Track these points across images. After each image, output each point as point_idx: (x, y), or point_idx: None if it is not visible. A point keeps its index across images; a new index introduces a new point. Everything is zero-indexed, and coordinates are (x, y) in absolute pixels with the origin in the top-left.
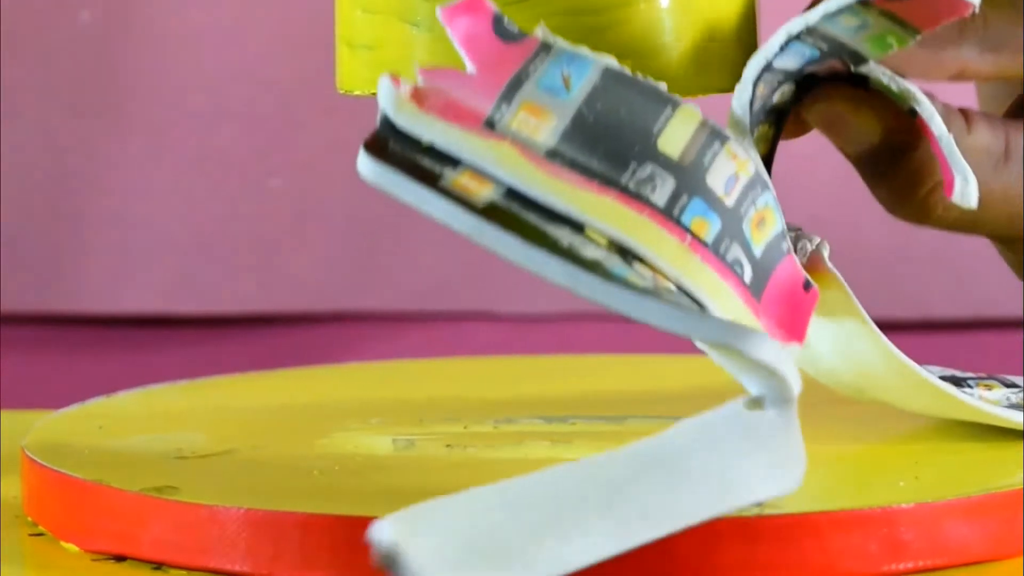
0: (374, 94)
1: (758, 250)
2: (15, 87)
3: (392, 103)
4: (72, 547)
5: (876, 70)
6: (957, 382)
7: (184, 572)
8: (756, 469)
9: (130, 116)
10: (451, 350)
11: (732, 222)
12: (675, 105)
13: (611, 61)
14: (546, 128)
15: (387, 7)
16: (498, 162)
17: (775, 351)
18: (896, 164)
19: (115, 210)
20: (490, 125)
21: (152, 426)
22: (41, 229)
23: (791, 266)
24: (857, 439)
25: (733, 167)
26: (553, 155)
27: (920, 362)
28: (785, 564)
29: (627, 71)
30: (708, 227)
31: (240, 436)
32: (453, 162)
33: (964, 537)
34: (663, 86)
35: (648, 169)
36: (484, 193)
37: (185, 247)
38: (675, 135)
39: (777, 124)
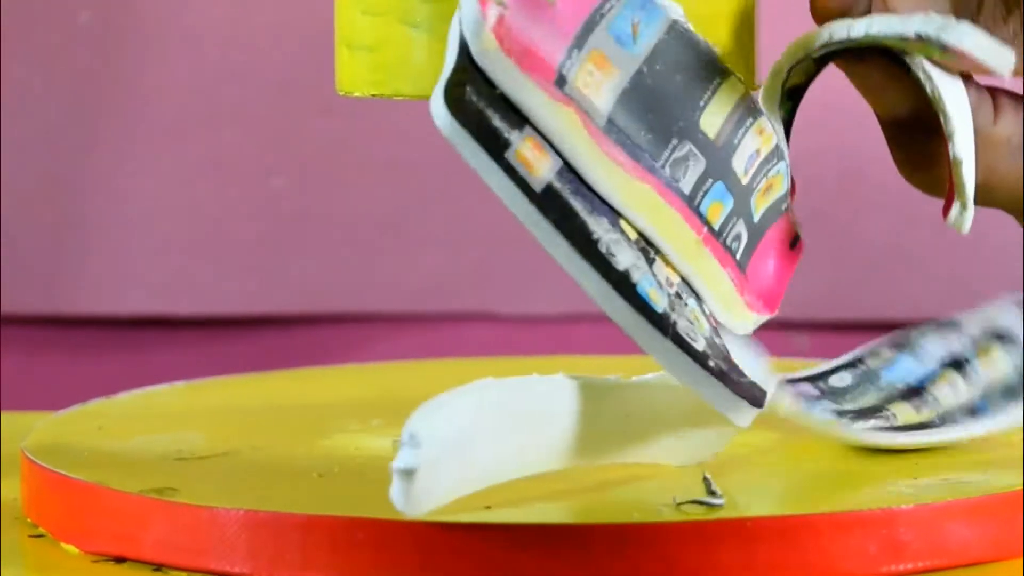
0: (374, 96)
1: (758, 215)
2: (15, 87)
3: (476, 33)
4: (72, 548)
5: (918, 66)
6: (958, 365)
7: (184, 574)
8: (672, 439)
9: (130, 117)
10: (451, 350)
11: (743, 199)
12: (723, 75)
13: (678, 13)
14: (607, 85)
15: (387, 9)
16: (561, 131)
17: (748, 418)
18: (919, 137)
19: (115, 211)
20: (561, 81)
21: (152, 427)
22: (41, 230)
23: (784, 224)
24: (857, 441)
25: (758, 143)
26: (610, 127)
27: None
28: (785, 565)
29: (690, 27)
30: (722, 210)
31: (240, 437)
32: (520, 122)
33: (964, 538)
34: (716, 51)
35: (686, 148)
36: (543, 170)
37: (185, 248)
38: (716, 111)
39: (819, 62)
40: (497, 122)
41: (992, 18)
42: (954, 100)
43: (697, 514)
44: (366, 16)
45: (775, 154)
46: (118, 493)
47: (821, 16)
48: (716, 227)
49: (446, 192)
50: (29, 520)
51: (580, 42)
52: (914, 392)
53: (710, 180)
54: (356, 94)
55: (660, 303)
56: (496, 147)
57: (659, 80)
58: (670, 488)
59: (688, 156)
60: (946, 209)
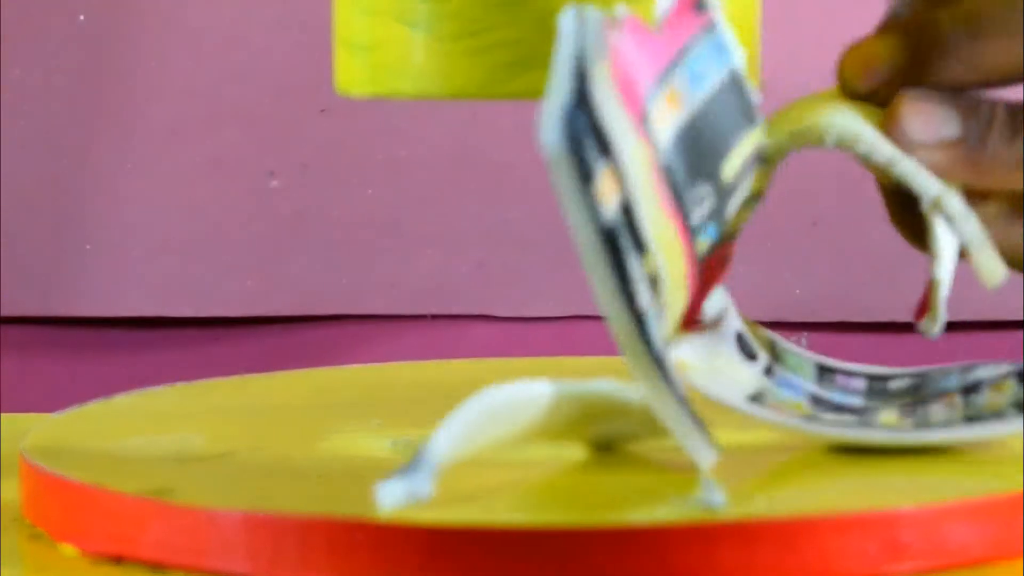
0: (373, 95)
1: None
2: (15, 87)
3: (594, 61)
4: (70, 549)
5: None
6: (969, 390)
7: (183, 574)
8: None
9: (130, 118)
10: (451, 351)
11: (721, 235)
12: (753, 122)
13: (739, 61)
14: (671, 123)
15: (385, 8)
16: (635, 167)
17: (711, 462)
18: (916, 207)
19: (115, 212)
20: (645, 118)
21: (151, 428)
22: (40, 231)
23: (725, 251)
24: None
25: (749, 189)
26: (664, 164)
27: (925, 363)
28: (785, 566)
29: (744, 74)
30: (706, 247)
31: (239, 438)
32: (604, 153)
33: (964, 538)
34: (758, 98)
35: (705, 189)
36: (612, 203)
37: (185, 249)
38: (738, 156)
39: None
40: (589, 151)
41: (1000, 137)
42: (944, 226)
43: (697, 514)
44: (365, 15)
45: (755, 197)
46: (117, 494)
47: (849, 94)
48: (699, 260)
49: (446, 192)
50: (28, 521)
51: (665, 77)
52: (911, 404)
53: (711, 221)
54: (355, 94)
55: (659, 344)
56: (586, 177)
57: (708, 123)
58: (670, 488)
59: (705, 196)
60: (918, 315)
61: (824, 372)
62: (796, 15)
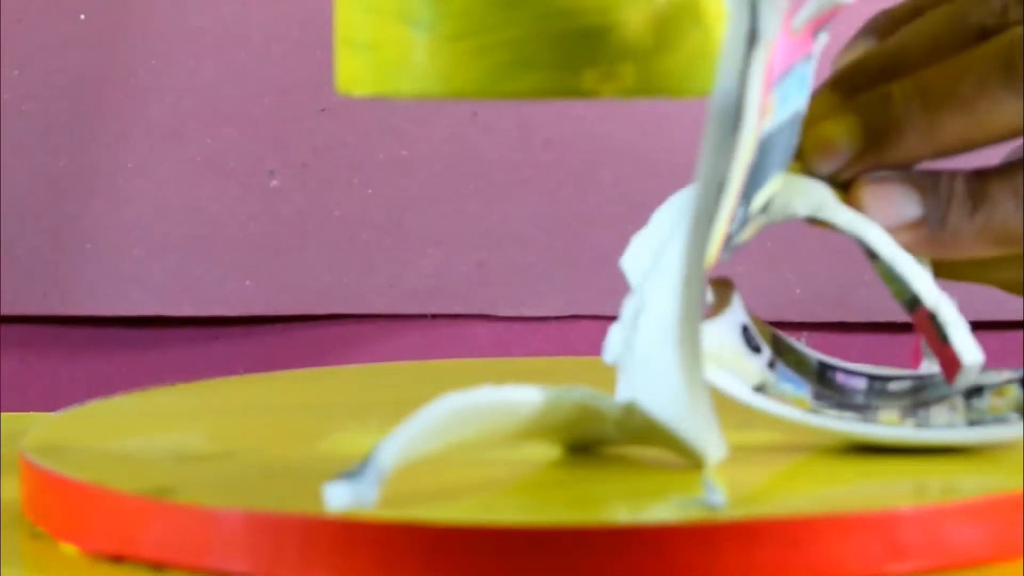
0: (374, 95)
1: None
2: (15, 87)
3: (759, 40)
4: (71, 548)
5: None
6: (971, 393)
7: (183, 573)
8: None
9: (130, 117)
10: (451, 351)
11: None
12: (783, 169)
13: (804, 101)
14: (764, 126)
15: (387, 8)
16: (742, 151)
17: (716, 457)
18: None
19: (115, 211)
20: (762, 110)
21: (151, 427)
22: (41, 230)
23: None
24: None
25: (748, 234)
26: (749, 167)
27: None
28: (786, 567)
29: (803, 118)
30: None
31: (239, 437)
32: (735, 125)
33: (964, 539)
34: (797, 144)
35: (739, 208)
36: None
37: (185, 249)
38: (763, 195)
39: None
40: (731, 118)
41: (960, 212)
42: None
43: (697, 515)
44: (366, 14)
45: (739, 247)
46: (117, 493)
47: (811, 175)
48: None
49: (446, 192)
50: (28, 520)
51: (779, 80)
52: (912, 406)
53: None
54: (356, 93)
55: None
56: (725, 148)
57: (768, 148)
58: (670, 488)
59: (735, 217)
60: (915, 362)
61: (825, 370)
62: None
